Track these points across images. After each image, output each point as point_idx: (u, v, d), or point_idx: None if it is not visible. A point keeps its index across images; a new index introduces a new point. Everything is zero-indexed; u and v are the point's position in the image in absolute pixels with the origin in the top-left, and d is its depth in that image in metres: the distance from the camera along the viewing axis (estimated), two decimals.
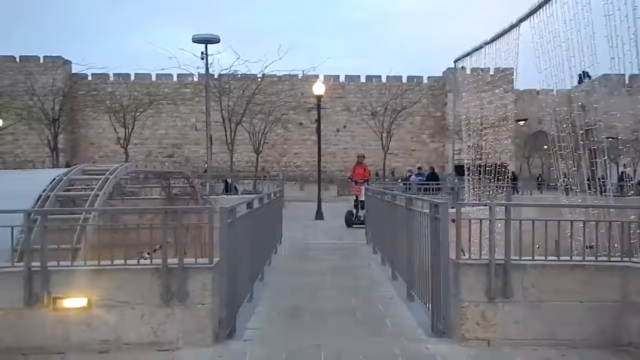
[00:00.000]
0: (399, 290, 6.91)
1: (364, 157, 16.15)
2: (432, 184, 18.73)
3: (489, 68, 14.08)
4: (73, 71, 42.28)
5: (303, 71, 38.54)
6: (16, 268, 4.92)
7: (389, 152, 36.42)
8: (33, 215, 5.01)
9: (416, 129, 46.40)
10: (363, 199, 13.85)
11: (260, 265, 7.70)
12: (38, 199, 6.07)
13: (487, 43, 11.26)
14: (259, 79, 32.27)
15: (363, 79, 46.56)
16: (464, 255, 4.92)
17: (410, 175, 24.31)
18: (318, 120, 19.77)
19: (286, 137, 45.68)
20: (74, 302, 4.86)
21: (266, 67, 29.35)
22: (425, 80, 46.48)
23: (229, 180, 23.47)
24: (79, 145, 46.52)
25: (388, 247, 8.32)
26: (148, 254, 5.11)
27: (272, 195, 9.98)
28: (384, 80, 45.40)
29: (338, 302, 6.54)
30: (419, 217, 5.87)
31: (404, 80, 44.45)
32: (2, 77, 41.83)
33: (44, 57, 43.79)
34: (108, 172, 6.61)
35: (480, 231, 4.90)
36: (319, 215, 17.83)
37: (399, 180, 24.55)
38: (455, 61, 14.20)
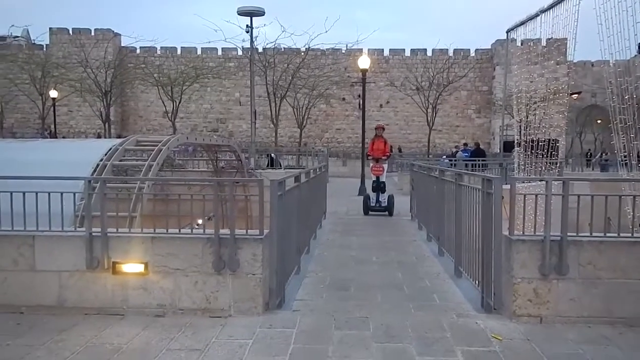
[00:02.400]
0: (446, 266, 6.88)
1: (383, 128, 13.41)
2: (479, 160, 18.32)
3: (540, 39, 13.52)
4: (122, 44, 43.24)
5: (347, 45, 38.11)
6: (78, 233, 5.15)
7: (432, 128, 35.76)
8: (93, 182, 5.21)
9: (462, 104, 45.30)
10: (384, 179, 12.47)
11: (306, 238, 7.79)
12: (96, 167, 6.30)
13: (543, 11, 10.76)
14: (303, 53, 32.12)
15: (408, 53, 45.60)
16: (516, 231, 4.82)
17: (456, 151, 23.84)
18: (362, 95, 19.57)
19: (328, 112, 45.51)
20: (132, 267, 5.08)
21: (312, 40, 29.13)
22: (472, 54, 45.07)
23: (274, 155, 23.66)
24: (128, 117, 47.79)
25: (434, 223, 8.24)
26: (198, 224, 5.23)
27: (317, 170, 10.01)
28: (429, 53, 44.33)
29: (384, 276, 6.57)
30: (469, 193, 5.78)
31: (450, 53, 43.19)
32: (56, 49, 43.20)
33: (95, 29, 44.83)
34: (161, 144, 6.78)
35: (536, 207, 4.78)
36: (362, 190, 17.79)
37: (444, 157, 24.12)
38: (508, 31, 13.64)
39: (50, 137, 35.69)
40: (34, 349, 4.26)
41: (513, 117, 15.69)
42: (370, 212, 12.29)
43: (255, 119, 27.27)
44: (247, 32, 24.61)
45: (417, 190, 10.91)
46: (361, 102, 22.40)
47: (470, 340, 4.40)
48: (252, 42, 24.70)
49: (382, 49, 45.66)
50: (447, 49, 42.23)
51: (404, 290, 5.93)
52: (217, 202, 5.02)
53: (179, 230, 5.09)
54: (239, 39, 29.32)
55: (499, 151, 29.50)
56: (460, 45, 44.46)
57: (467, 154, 21.21)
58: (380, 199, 12.26)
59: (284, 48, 31.98)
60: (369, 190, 13.19)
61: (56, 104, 37.40)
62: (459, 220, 6.25)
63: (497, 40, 40.58)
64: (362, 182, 17.93)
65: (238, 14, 24.68)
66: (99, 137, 35.33)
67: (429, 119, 33.87)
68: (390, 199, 12.35)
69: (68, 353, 4.19)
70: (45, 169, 6.05)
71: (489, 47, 44.62)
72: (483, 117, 45.55)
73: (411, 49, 45.64)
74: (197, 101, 45.05)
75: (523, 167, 12.01)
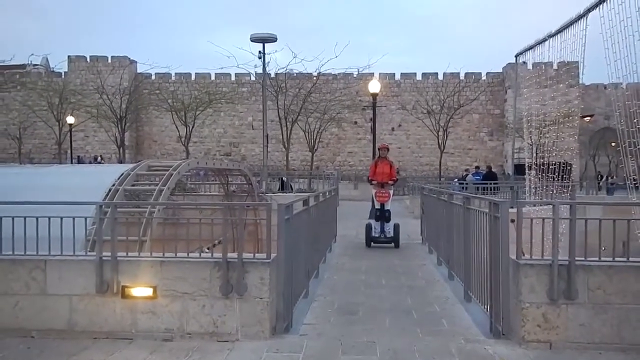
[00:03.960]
0: (455, 291, 6.82)
1: (387, 149, 11.46)
2: (490, 184, 18.25)
3: (552, 62, 13.58)
4: (138, 71, 44.14)
5: (358, 69, 38.60)
6: (89, 257, 5.23)
7: (444, 151, 35.75)
8: (104, 207, 5.30)
9: (473, 127, 45.27)
10: (390, 207, 10.87)
11: (315, 262, 7.78)
12: (108, 192, 6.41)
13: (551, 35, 10.84)
14: (315, 78, 32.51)
15: (419, 77, 45.86)
16: (524, 255, 4.80)
17: (467, 175, 23.77)
18: (373, 119, 19.70)
19: (340, 136, 45.71)
20: (141, 291, 5.12)
21: (322, 65, 29.56)
22: (483, 77, 45.24)
23: (285, 179, 23.79)
24: (143, 142, 48.39)
25: (444, 247, 8.21)
26: (208, 248, 5.28)
27: (327, 193, 10.06)
28: (440, 77, 44.52)
29: (393, 300, 6.53)
30: (477, 216, 5.77)
31: (462, 77, 43.37)
32: (74, 76, 44.19)
33: (112, 57, 45.78)
34: (172, 169, 6.89)
35: (543, 231, 4.77)
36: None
37: (455, 180, 24.05)
38: (517, 55, 13.73)
39: (79, 162, 36.22)
40: None
41: (525, 140, 15.66)
42: (373, 244, 10.84)
43: (268, 142, 27.53)
44: (260, 57, 25.08)
45: (427, 213, 10.89)
46: (371, 126, 22.61)
47: None
48: (264, 67, 25.14)
49: (394, 73, 45.98)
50: (458, 73, 42.43)
51: (412, 315, 5.89)
52: (226, 226, 5.07)
53: (188, 254, 5.14)
54: (251, 64, 29.88)
55: (511, 174, 29.36)
56: (471, 69, 44.64)
57: (478, 177, 21.14)
58: (385, 229, 10.79)
59: (296, 73, 32.48)
60: (371, 218, 11.61)
61: (73, 129, 38.10)
62: (468, 243, 6.23)
63: (509, 63, 40.67)
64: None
65: (251, 41, 25.19)
66: (120, 162, 35.78)
67: (440, 142, 33.92)
68: (396, 228, 10.91)
69: None
70: (58, 193, 6.17)
71: (500, 70, 44.73)
72: (496, 140, 45.42)
73: (422, 73, 45.92)
74: (210, 126, 45.61)
75: (534, 191, 11.94)
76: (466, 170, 28.61)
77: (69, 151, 39.80)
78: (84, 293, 5.20)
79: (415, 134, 44.85)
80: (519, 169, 21.98)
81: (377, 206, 10.91)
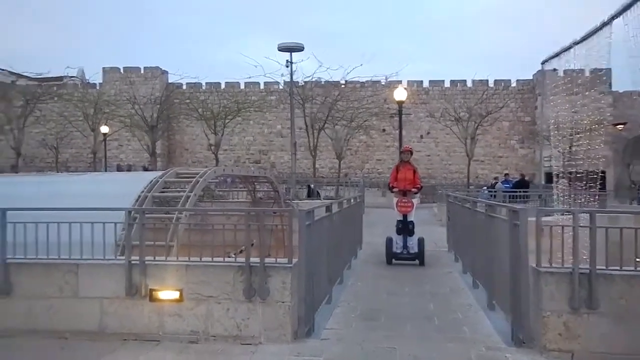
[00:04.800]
0: (479, 299, 6.80)
1: (411, 152, 10.18)
2: (520, 192, 17.97)
3: (583, 69, 13.32)
4: (170, 81, 45.18)
5: (386, 77, 38.66)
6: (118, 261, 5.44)
7: (474, 159, 35.35)
8: (133, 213, 5.51)
9: (504, 135, 44.60)
10: (413, 218, 9.64)
11: (339, 268, 7.87)
12: (137, 199, 6.65)
13: (576, 43, 10.69)
14: (342, 85, 32.67)
15: (447, 84, 45.51)
16: (545, 263, 4.78)
17: (496, 182, 23.47)
18: (400, 127, 19.70)
19: (368, 143, 45.67)
20: (167, 294, 5.30)
21: (348, 73, 29.75)
22: (513, 84, 44.57)
23: (312, 186, 23.95)
24: (175, 150, 49.32)
25: (469, 255, 8.18)
26: (234, 254, 5.42)
27: (351, 200, 10.13)
28: (469, 84, 44.11)
29: (416, 307, 6.56)
30: (499, 224, 5.77)
31: (491, 84, 42.88)
32: (108, 87, 45.49)
33: (144, 67, 46.95)
34: (198, 175, 7.10)
35: (562, 239, 4.75)
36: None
37: (484, 188, 23.76)
38: (543, 63, 13.56)
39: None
40: None
41: (553, 148, 15.39)
42: (394, 261, 9.59)
43: (296, 150, 27.80)
44: (287, 66, 25.40)
45: (453, 221, 10.84)
46: (401, 133, 22.59)
47: None
48: (291, 76, 25.44)
49: (422, 81, 45.77)
50: (487, 80, 41.98)
51: (434, 322, 5.91)
52: (249, 232, 5.21)
53: (212, 259, 5.29)
54: (278, 73, 30.15)
55: (544, 182, 28.85)
56: (501, 76, 44.10)
57: (507, 185, 20.85)
58: (408, 244, 9.55)
59: (324, 82, 32.73)
60: (391, 231, 10.02)
61: (107, 138, 39.21)
62: (490, 251, 6.22)
63: (539, 70, 40.07)
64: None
65: (278, 50, 25.56)
66: (145, 169, 36.65)
67: (468, 149, 33.61)
68: (421, 243, 9.61)
69: None
70: (91, 200, 6.43)
71: (531, 77, 44.05)
72: (527, 148, 44.63)
73: (451, 80, 45.57)
74: (240, 134, 46.18)
75: (562, 199, 11.73)
76: (495, 178, 28.21)
77: (103, 160, 40.91)
78: (114, 296, 5.40)
79: (445, 141, 44.42)
80: (551, 178, 21.62)
81: (399, 217, 9.62)
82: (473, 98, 35.99)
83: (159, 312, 5.35)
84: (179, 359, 4.81)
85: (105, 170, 38.19)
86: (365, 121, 34.13)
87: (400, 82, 39.88)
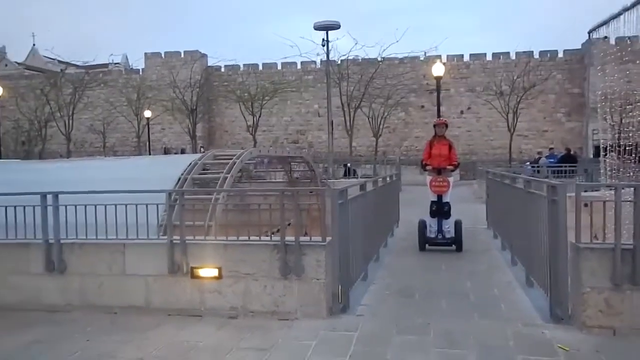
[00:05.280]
0: (517, 276, 6.73)
1: (446, 125, 9.08)
2: (565, 167, 17.42)
3: (637, 36, 12.65)
4: (209, 64, 45.77)
5: (425, 52, 37.93)
6: (161, 241, 5.67)
7: (517, 133, 34.46)
8: (173, 194, 5.72)
9: (550, 108, 43.07)
10: (448, 199, 8.66)
11: (375, 246, 7.92)
12: (177, 181, 6.87)
13: (626, 9, 10.18)
14: (380, 62, 32.28)
15: (489, 57, 44.21)
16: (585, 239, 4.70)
17: (539, 158, 22.82)
18: (437, 103, 19.38)
19: (407, 120, 45.08)
20: (207, 272, 5.51)
21: (384, 50, 29.38)
22: (560, 55, 42.85)
23: (349, 165, 23.97)
24: (215, 133, 50.13)
25: (507, 232, 8.08)
26: (272, 233, 5.54)
27: (387, 178, 10.11)
28: (512, 56, 42.65)
29: (452, 284, 6.56)
30: (537, 200, 5.67)
31: (536, 55, 41.38)
32: (150, 72, 46.51)
33: (184, 51, 47.63)
34: (235, 157, 7.26)
35: (604, 215, 4.64)
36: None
37: (527, 163, 23.16)
38: (590, 32, 12.96)
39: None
40: (123, 344, 4.76)
41: (600, 120, 14.82)
42: (428, 247, 8.68)
43: (333, 129, 27.79)
44: (323, 45, 25.30)
45: (492, 197, 10.68)
46: (439, 109, 22.26)
47: (534, 350, 4.34)
48: (327, 55, 25.33)
49: (462, 55, 44.57)
50: (532, 52, 40.52)
51: (470, 299, 5.91)
52: (283, 211, 5.32)
53: (249, 238, 5.45)
54: (313, 53, 30.10)
55: (592, 156, 27.87)
56: (546, 47, 42.44)
57: (552, 160, 20.24)
58: (443, 228, 8.63)
59: (361, 59, 32.44)
60: (424, 214, 9.04)
61: (150, 122, 40.28)
62: (529, 227, 6.13)
63: (588, 39, 38.35)
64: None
65: (314, 29, 25.45)
66: (182, 152, 37.57)
67: (509, 124, 32.74)
68: (458, 226, 8.60)
69: (151, 349, 4.64)
70: (135, 183, 6.67)
71: (579, 47, 42.22)
72: (574, 121, 43.04)
73: (493, 53, 44.20)
74: (277, 114, 46.46)
75: (610, 174, 11.33)
76: (539, 152, 27.42)
77: (147, 143, 42.09)
78: (158, 274, 5.66)
79: (487, 116, 43.34)
80: (599, 151, 20.83)
81: (433, 198, 8.65)
82: (516, 71, 34.80)
83: (200, 289, 5.57)
84: (219, 334, 5.00)
85: (150, 154, 39.27)
86: (402, 98, 33.71)
87: (439, 57, 39.07)
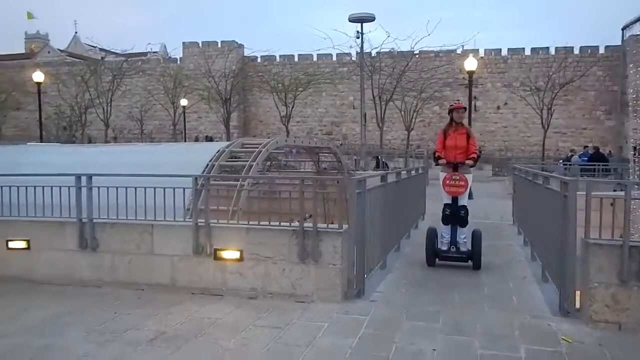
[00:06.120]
0: (534, 271, 6.80)
1: (465, 109, 7.50)
2: (597, 165, 17.11)
3: None
4: (245, 54, 46.37)
5: (462, 45, 37.50)
6: (186, 223, 5.99)
7: (554, 130, 33.75)
8: (199, 180, 6.03)
9: (589, 105, 41.97)
10: (466, 202, 7.11)
11: (396, 237, 8.07)
12: (206, 167, 7.19)
13: None
14: (416, 55, 32.09)
15: (528, 52, 43.30)
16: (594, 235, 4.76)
17: (572, 156, 22.37)
18: (469, 97, 19.22)
19: (442, 114, 44.45)
20: (229, 254, 5.80)
21: (416, 43, 29.22)
22: (601, 51, 41.62)
23: (379, 157, 24.06)
24: (250, 122, 50.82)
25: (528, 227, 8.11)
26: (305, 219, 5.70)
27: (412, 171, 10.21)
28: (552, 51, 41.69)
29: (469, 277, 6.68)
30: (552, 196, 5.73)
31: (576, 51, 40.31)
32: (188, 61, 47.46)
33: (221, 41, 48.34)
34: (261, 146, 7.53)
35: (613, 212, 4.69)
36: (469, 194, 17.54)
37: (560, 161, 22.74)
38: (624, 28, 12.65)
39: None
40: (148, 318, 5.10)
41: (630, 119, 14.49)
42: (438, 261, 7.15)
43: (366, 122, 27.89)
44: (357, 37, 25.40)
45: (517, 193, 10.65)
46: (475, 104, 22.12)
47: (538, 340, 4.46)
48: (362, 47, 25.42)
49: (500, 49, 43.81)
50: (572, 47, 39.47)
51: (483, 291, 6.02)
52: (302, 199, 5.54)
53: (269, 223, 5.70)
54: (346, 45, 30.37)
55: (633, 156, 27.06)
56: (586, 43, 41.22)
57: (585, 159, 19.86)
58: (458, 239, 7.07)
59: (397, 52, 32.33)
60: (436, 220, 7.67)
61: (186, 111, 41.20)
62: (545, 223, 6.19)
63: (631, 35, 37.13)
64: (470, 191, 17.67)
65: (349, 21, 25.56)
66: (210, 139, 38.35)
67: (543, 121, 32.09)
68: (476, 238, 7.03)
69: (174, 323, 4.96)
70: (165, 168, 7.02)
71: (620, 43, 40.88)
72: (614, 119, 41.83)
73: (532, 48, 43.27)
74: (312, 105, 46.75)
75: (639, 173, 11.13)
76: (572, 150, 26.83)
77: (183, 131, 43.09)
78: (183, 254, 5.98)
79: (523, 112, 42.52)
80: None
81: (447, 200, 7.09)
82: (555, 66, 33.99)
83: (222, 270, 5.86)
84: (238, 312, 5.29)
85: (185, 141, 40.18)
86: (435, 92, 33.46)
87: (476, 50, 38.55)
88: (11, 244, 6.49)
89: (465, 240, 7.10)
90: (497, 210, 13.96)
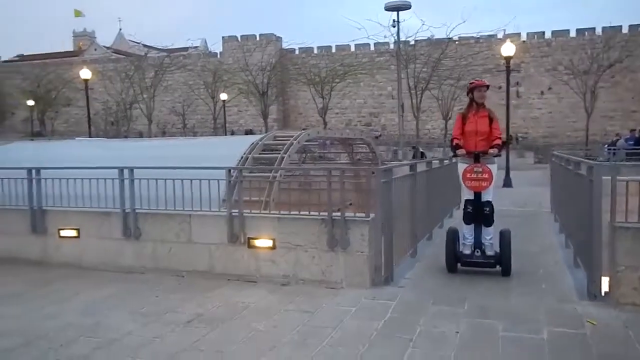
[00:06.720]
0: (567, 257, 6.77)
1: (487, 87, 6.29)
2: None
3: None
4: (283, 46, 46.75)
5: (504, 30, 36.65)
6: (221, 213, 6.28)
7: (601, 114, 32.60)
8: (232, 171, 6.31)
9: (638, 86, 40.24)
10: (490, 198, 6.10)
11: (428, 226, 8.15)
12: (240, 159, 7.48)
13: None
14: (455, 42, 31.60)
15: (573, 33, 41.81)
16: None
17: (617, 140, 21.59)
18: (507, 84, 18.90)
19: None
20: (262, 242, 6.07)
21: (451, 30, 28.79)
22: None
23: (416, 147, 23.95)
24: (289, 115, 51.30)
25: (563, 214, 8.04)
26: (346, 207, 5.87)
27: (444, 161, 10.21)
28: (598, 32, 40.12)
29: None
30: (581, 181, 5.71)
31: (625, 30, 38.62)
32: (227, 55, 48.24)
33: (260, 34, 48.87)
34: (293, 138, 7.75)
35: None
36: (507, 182, 17.33)
37: (605, 146, 22.01)
38: None
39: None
40: (186, 302, 5.43)
41: None
42: (460, 267, 6.28)
43: (403, 112, 27.76)
44: (393, 26, 25.25)
45: (554, 180, 10.51)
46: (517, 90, 21.63)
47: (562, 323, 4.51)
48: (398, 35, 25.29)
49: (543, 32, 42.48)
50: (621, 26, 37.84)
51: (512, 277, 6.06)
52: (330, 190, 5.72)
53: (299, 212, 5.93)
54: (380, 35, 30.19)
55: None
56: (635, 21, 39.42)
57: (632, 142, 19.18)
58: (484, 240, 6.16)
59: (434, 39, 31.91)
60: (457, 220, 7.33)
61: (226, 105, 41.98)
62: (576, 208, 6.16)
63: None
64: (507, 172, 17.45)
65: (385, 9, 25.45)
66: (250, 132, 39.02)
67: (586, 104, 31.01)
68: (505, 239, 6.10)
69: (210, 306, 5.27)
70: (202, 161, 7.34)
71: None
72: None
73: (577, 29, 41.74)
74: (351, 97, 46.70)
75: None
76: (617, 134, 25.84)
77: (223, 125, 43.94)
78: (219, 242, 6.29)
79: (568, 97, 41.17)
80: None
81: (468, 195, 6.14)
82: (602, 48, 32.72)
83: (256, 258, 6.14)
84: (271, 297, 5.55)
85: (225, 134, 40.98)
86: (474, 78, 32.87)
87: (518, 34, 37.60)
88: (63, 233, 6.99)
89: (491, 241, 6.17)
90: (536, 198, 13.76)
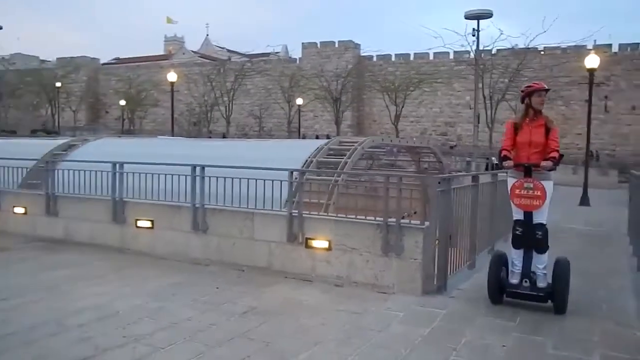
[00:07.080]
0: (636, 282, 6.45)
1: (546, 91, 5.35)
2: None
3: None
4: (361, 54, 47.07)
5: (595, 40, 34.89)
6: (282, 212, 6.58)
7: None
8: (295, 174, 6.58)
9: None
10: (544, 220, 5.34)
11: (490, 237, 8.01)
12: (305, 162, 7.76)
13: None
14: (541, 52, 30.45)
15: None
16: None
17: None
18: (589, 97, 18.00)
19: (567, 115, 41.67)
20: (319, 243, 6.30)
21: (530, 41, 27.78)
22: None
23: (490, 158, 23.31)
24: (364, 122, 51.46)
25: (635, 234, 7.63)
26: (403, 217, 5.97)
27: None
28: None
29: None
30: None
31: None
32: (306, 61, 49.26)
33: (338, 41, 49.48)
34: (357, 144, 7.93)
35: None
36: (584, 200, 16.49)
37: None
38: None
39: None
40: (244, 295, 5.74)
41: None
42: (506, 298, 5.46)
43: (479, 122, 27.14)
44: (473, 35, 24.80)
45: (633, 200, 9.93)
46: (605, 104, 20.55)
47: (616, 347, 4.36)
48: (477, 44, 24.80)
49: (637, 43, 39.85)
50: None
51: (572, 296, 5.85)
52: (387, 196, 5.84)
53: (355, 216, 6.09)
54: (457, 44, 29.69)
55: None
56: None
57: None
58: (536, 269, 5.34)
59: (517, 48, 30.94)
60: (505, 244, 6.78)
61: (302, 109, 42.89)
62: None
63: None
64: (585, 191, 16.58)
65: (465, 18, 25.06)
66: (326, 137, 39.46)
67: None
68: (561, 269, 5.29)
69: (265, 301, 5.55)
70: (269, 163, 7.68)
71: None
72: None
73: None
74: (427, 105, 46.13)
75: None
76: None
77: (298, 129, 44.85)
78: (279, 241, 6.59)
79: None
80: None
81: (517, 215, 5.46)
82: None
83: (312, 257, 6.38)
84: (324, 297, 5.75)
85: (299, 138, 41.79)
86: (553, 91, 31.47)
87: (609, 45, 35.56)
88: (139, 223, 7.59)
89: (544, 271, 5.30)
90: (614, 218, 13.06)
